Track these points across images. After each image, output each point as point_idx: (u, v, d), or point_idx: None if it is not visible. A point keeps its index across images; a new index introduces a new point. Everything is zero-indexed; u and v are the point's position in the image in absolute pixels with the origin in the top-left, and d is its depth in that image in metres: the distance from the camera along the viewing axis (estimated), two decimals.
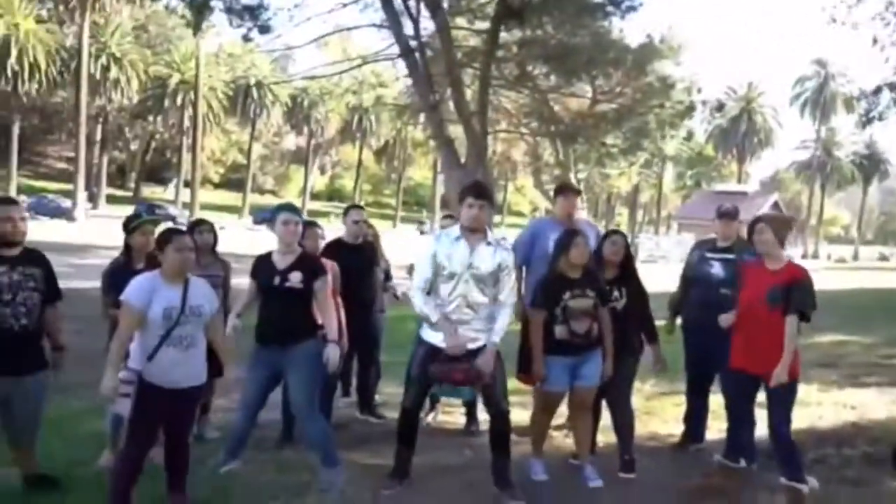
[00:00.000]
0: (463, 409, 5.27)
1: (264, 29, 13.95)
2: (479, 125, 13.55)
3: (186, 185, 45.56)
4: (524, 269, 4.84)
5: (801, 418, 4.05)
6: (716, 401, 4.80)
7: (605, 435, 4.67)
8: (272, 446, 4.60)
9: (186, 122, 46.59)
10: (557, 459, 4.53)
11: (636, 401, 4.95)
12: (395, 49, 13.88)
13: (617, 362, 4.23)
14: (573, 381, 4.18)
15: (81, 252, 18.20)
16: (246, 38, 14.58)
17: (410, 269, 4.38)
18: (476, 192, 3.88)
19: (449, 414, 5.46)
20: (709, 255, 4.76)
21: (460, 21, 14.86)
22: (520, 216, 63.71)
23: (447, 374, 3.79)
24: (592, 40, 14.59)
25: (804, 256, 53.21)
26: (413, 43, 13.40)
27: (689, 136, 45.87)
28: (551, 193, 6.37)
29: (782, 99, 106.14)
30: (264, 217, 38.15)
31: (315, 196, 64.01)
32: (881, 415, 5.83)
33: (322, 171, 69.51)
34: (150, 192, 56.74)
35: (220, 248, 4.96)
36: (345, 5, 14.51)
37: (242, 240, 22.49)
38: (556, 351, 4.08)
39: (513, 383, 4.18)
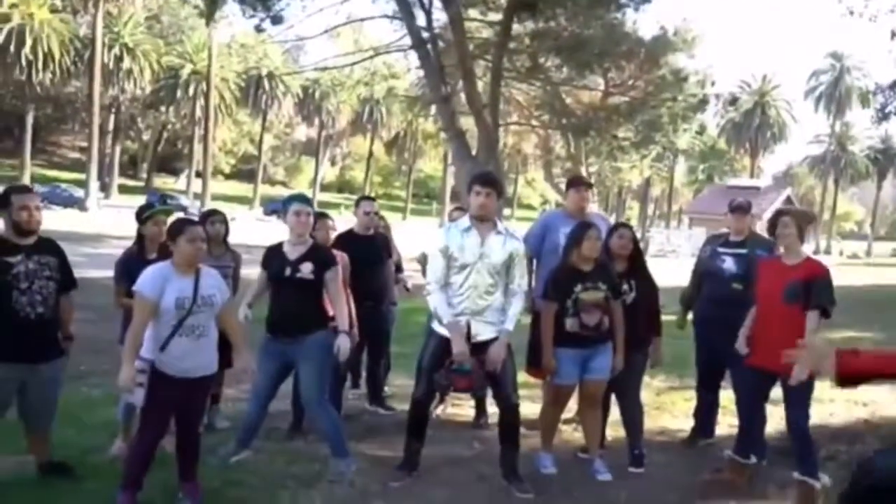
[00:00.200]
0: (472, 402, 5.28)
1: (277, 19, 13.97)
2: (491, 117, 13.51)
3: (198, 175, 45.69)
4: (535, 262, 4.83)
5: (813, 415, 4.02)
6: (726, 396, 4.79)
7: (615, 429, 4.67)
8: (282, 436, 4.62)
9: (198, 113, 46.66)
10: (566, 453, 4.52)
11: (646, 395, 4.94)
12: (407, 40, 13.87)
13: (627, 356, 4.23)
14: (583, 375, 4.17)
15: (94, 241, 18.34)
16: (258, 29, 14.63)
17: (421, 259, 4.36)
18: (483, 180, 3.88)
19: (458, 406, 5.46)
20: (721, 249, 4.72)
21: (473, 12, 14.78)
22: (530, 209, 63.55)
23: (452, 383, 3.80)
24: (605, 32, 14.49)
25: (816, 252, 52.76)
26: (425, 34, 13.37)
27: (702, 130, 45.46)
28: (562, 187, 6.35)
29: (797, 93, 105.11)
30: (275, 208, 38.27)
31: (325, 187, 64.07)
32: (893, 412, 5.80)
33: (333, 162, 69.55)
34: (162, 182, 56.94)
35: (231, 238, 4.98)
36: None
37: (253, 230, 22.56)
38: (567, 343, 4.08)
39: (522, 376, 4.18)
